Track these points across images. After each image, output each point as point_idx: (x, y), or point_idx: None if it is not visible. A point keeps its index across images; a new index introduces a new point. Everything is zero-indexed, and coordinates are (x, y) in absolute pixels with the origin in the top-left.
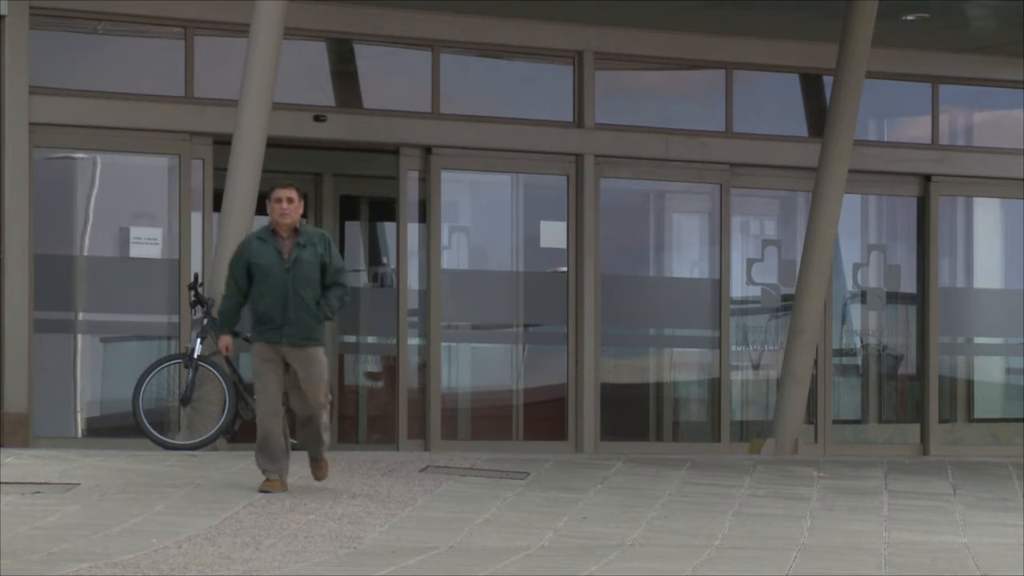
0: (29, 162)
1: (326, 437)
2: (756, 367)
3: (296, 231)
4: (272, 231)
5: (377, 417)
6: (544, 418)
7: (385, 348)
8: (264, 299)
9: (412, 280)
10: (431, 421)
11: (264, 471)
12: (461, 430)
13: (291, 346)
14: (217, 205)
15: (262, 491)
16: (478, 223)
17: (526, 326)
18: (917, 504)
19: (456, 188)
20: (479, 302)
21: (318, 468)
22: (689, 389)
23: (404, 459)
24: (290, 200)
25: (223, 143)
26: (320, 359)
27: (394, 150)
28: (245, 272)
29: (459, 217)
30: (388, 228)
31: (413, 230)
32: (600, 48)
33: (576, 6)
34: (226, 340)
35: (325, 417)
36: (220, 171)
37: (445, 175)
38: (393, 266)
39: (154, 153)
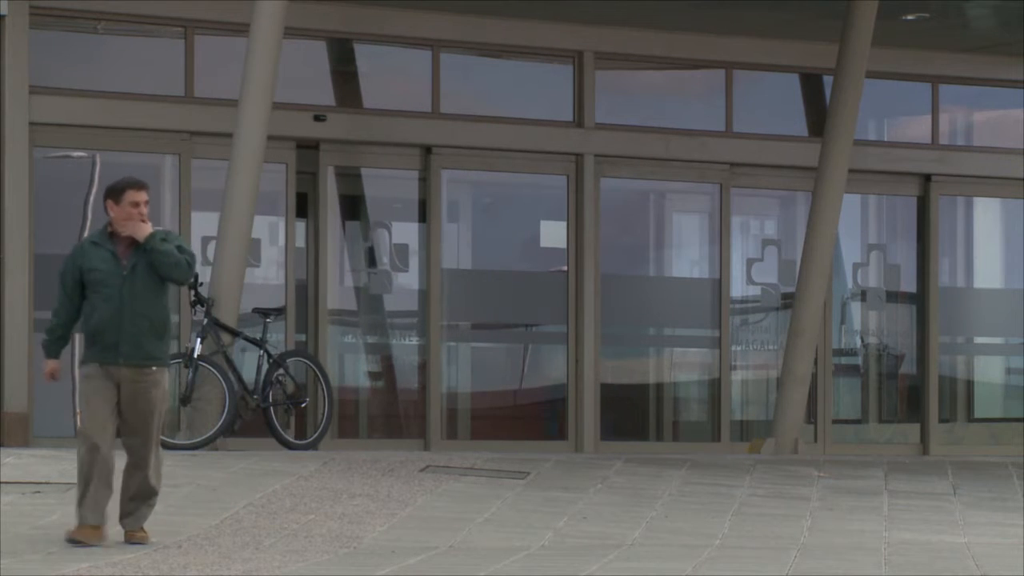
0: (29, 162)
1: (157, 485)
2: (756, 367)
3: None
4: (110, 234)
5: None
6: (544, 418)
7: (378, 348)
8: (97, 312)
9: (333, 277)
10: (431, 421)
11: (82, 518)
12: (461, 430)
13: (129, 366)
14: (300, 209)
15: (72, 540)
16: (478, 222)
17: (526, 326)
18: (917, 504)
19: (457, 187)
20: (478, 301)
21: (136, 532)
22: (689, 389)
23: (404, 459)
24: (147, 203)
25: (304, 147)
26: (161, 383)
27: (314, 145)
28: (78, 283)
29: (459, 216)
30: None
31: (335, 226)
32: (600, 48)
33: (576, 6)
34: (53, 365)
35: (157, 456)
36: (301, 174)
37: (445, 175)
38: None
39: (154, 153)
